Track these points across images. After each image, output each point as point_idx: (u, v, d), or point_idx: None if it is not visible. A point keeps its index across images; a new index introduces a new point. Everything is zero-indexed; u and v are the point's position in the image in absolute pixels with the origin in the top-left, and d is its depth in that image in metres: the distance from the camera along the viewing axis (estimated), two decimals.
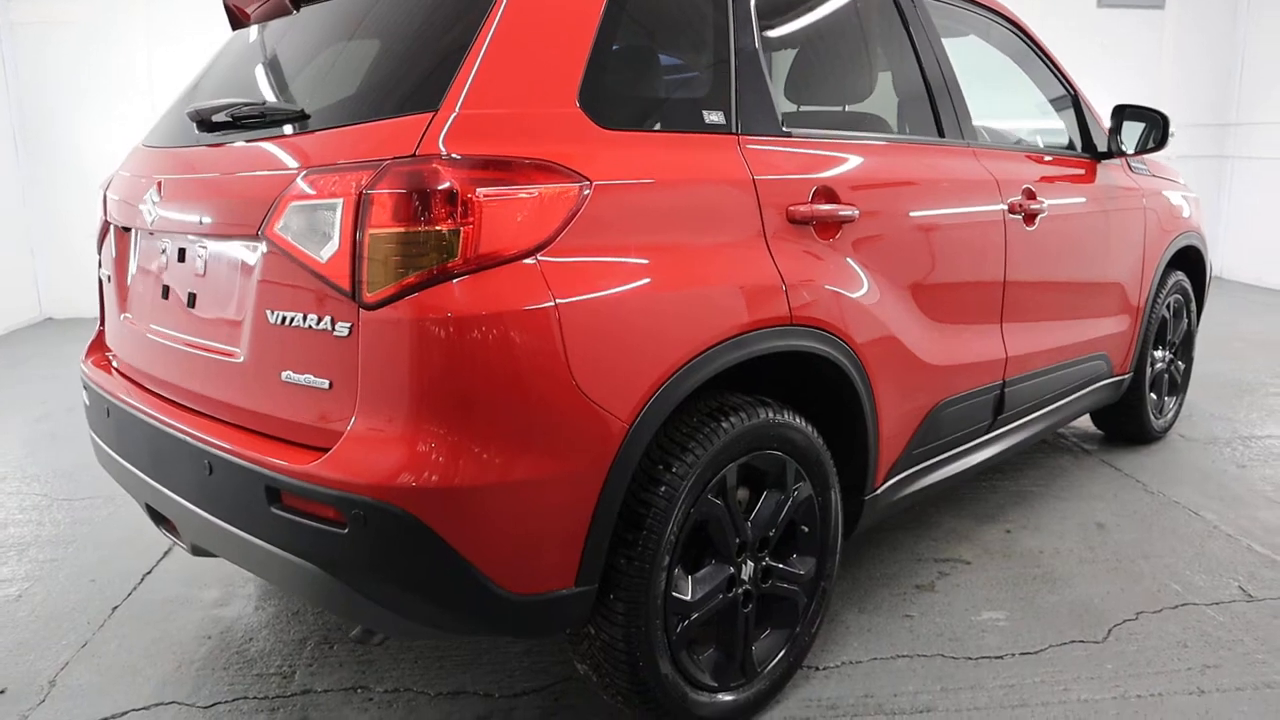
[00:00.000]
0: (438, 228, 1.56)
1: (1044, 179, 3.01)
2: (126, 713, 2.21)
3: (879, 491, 2.42)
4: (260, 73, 2.20)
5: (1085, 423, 4.19)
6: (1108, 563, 2.91)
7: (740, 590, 2.05)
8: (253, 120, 1.92)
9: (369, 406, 1.61)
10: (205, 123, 2.01)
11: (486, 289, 1.59)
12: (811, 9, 2.46)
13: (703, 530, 1.97)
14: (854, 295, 2.19)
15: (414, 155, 1.60)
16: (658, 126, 1.92)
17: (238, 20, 2.52)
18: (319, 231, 1.64)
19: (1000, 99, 3.86)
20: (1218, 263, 8.63)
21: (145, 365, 2.20)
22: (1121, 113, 3.30)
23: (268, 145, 1.85)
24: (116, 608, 2.72)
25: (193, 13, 7.11)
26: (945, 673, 2.30)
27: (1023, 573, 2.84)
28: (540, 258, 1.63)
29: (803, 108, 2.49)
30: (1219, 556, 2.94)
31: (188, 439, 1.90)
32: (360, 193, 1.58)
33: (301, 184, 1.68)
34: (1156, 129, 3.29)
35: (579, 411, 1.67)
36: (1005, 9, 3.14)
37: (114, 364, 2.40)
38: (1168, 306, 3.86)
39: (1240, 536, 3.08)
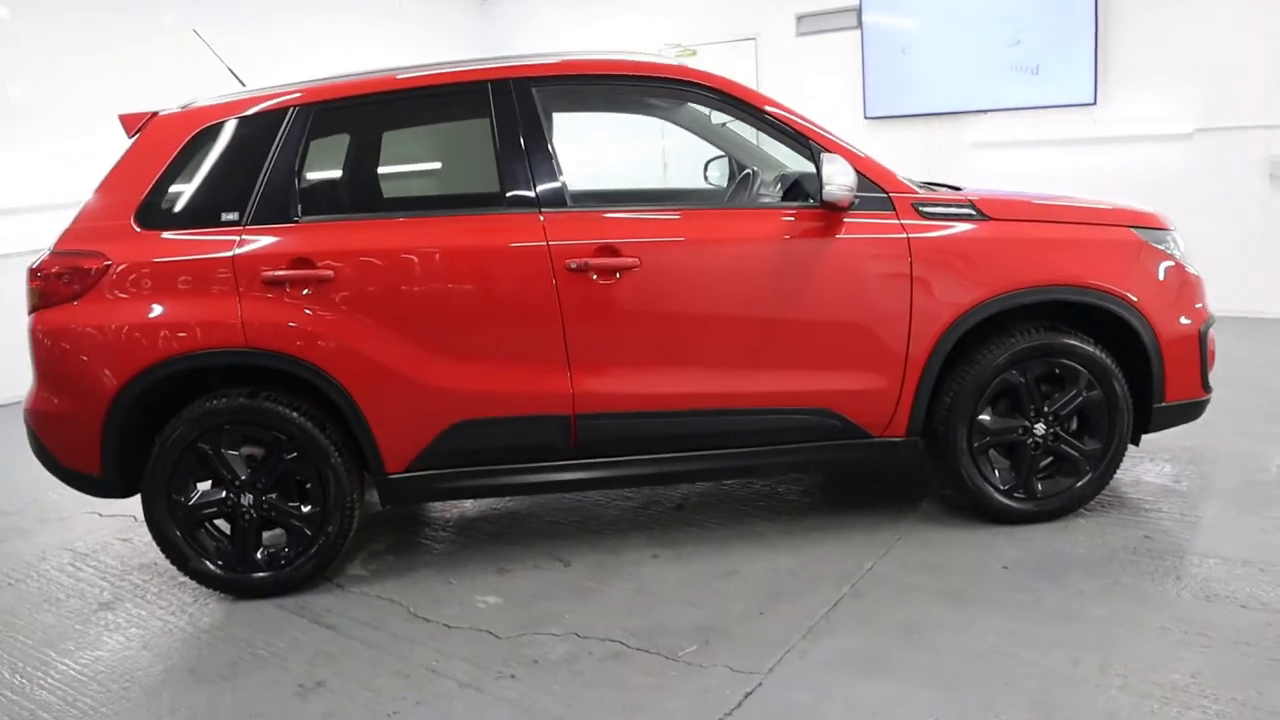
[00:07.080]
0: (34, 285, 3.27)
1: (655, 236, 3.31)
2: None
3: (395, 477, 3.29)
4: None
5: None
6: (684, 598, 3.13)
7: (245, 511, 3.29)
8: None
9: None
10: None
11: (49, 315, 3.23)
12: (375, 125, 3.53)
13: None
14: (322, 331, 3.15)
15: (50, 250, 3.31)
16: (184, 227, 3.24)
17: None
18: None
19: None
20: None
21: None
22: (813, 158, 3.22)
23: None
24: None
25: None
26: (381, 618, 3.14)
27: (584, 586, 3.25)
28: (76, 301, 3.20)
29: (335, 197, 3.46)
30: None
31: None
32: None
33: None
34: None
35: (87, 377, 3.20)
36: (675, 70, 3.48)
37: None
38: (1023, 372, 3.27)
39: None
